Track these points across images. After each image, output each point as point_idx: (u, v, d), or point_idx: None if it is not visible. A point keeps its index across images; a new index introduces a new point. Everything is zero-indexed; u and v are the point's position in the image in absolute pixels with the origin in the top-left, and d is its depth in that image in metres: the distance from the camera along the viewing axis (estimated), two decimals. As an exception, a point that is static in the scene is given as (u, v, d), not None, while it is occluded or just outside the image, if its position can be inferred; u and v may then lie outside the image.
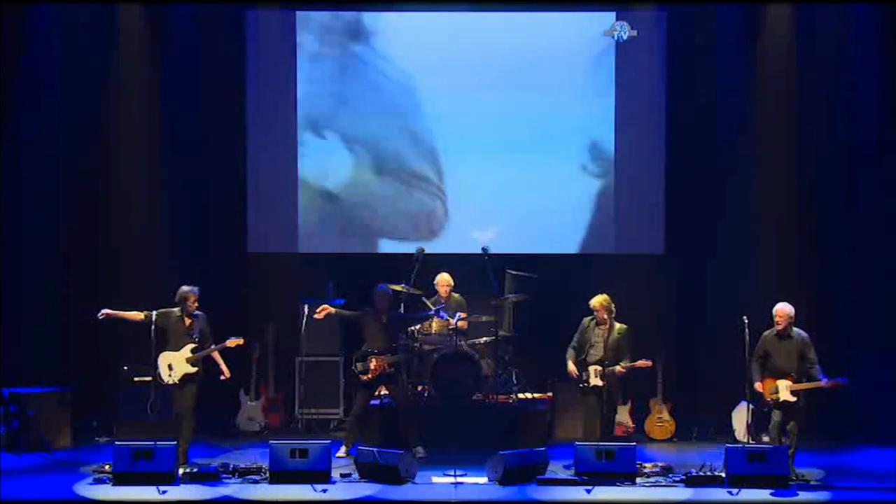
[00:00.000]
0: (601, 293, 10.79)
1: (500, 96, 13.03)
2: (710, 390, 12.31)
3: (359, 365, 11.01)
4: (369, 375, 10.98)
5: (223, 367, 10.71)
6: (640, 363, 10.71)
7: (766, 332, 10.29)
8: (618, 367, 10.60)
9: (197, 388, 10.63)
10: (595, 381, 10.61)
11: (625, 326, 10.70)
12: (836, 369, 10.33)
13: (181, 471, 9.88)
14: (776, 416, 10.18)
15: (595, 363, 10.66)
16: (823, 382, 10.07)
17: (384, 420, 11.35)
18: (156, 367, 10.52)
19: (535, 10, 12.97)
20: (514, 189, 13.03)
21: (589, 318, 10.87)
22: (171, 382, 10.55)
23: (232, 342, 10.67)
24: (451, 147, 13.16)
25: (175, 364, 10.54)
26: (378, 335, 11.08)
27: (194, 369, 10.57)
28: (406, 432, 10.95)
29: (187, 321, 10.64)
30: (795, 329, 10.22)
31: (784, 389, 10.09)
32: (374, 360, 10.97)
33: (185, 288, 10.66)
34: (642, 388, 11.98)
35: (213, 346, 10.65)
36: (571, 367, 10.71)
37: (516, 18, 13.01)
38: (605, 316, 10.70)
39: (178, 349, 10.56)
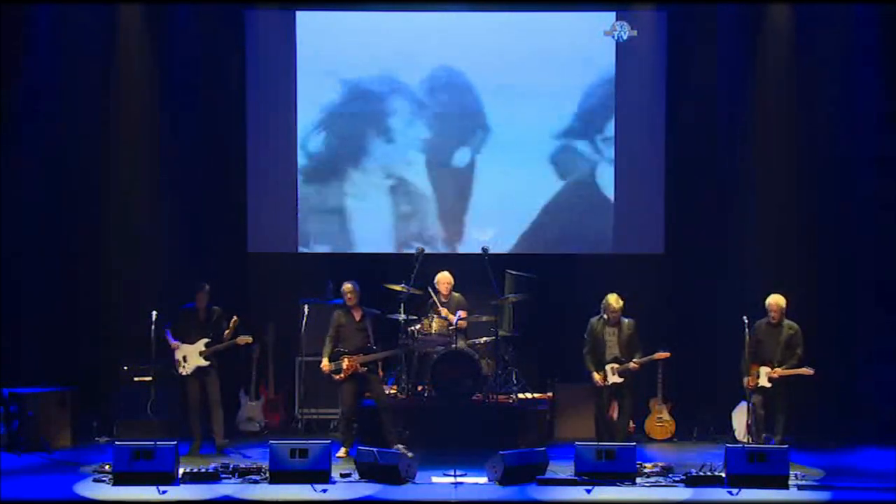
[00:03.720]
0: (611, 293, 11.10)
1: (499, 96, 13.03)
2: (710, 390, 12.31)
3: (331, 364, 11.00)
4: (341, 375, 10.95)
5: (241, 339, 11.09)
6: (659, 355, 11.12)
7: (758, 322, 10.85)
8: (632, 363, 10.98)
9: (213, 381, 11.04)
10: (614, 378, 10.99)
11: (632, 321, 11.10)
12: (826, 365, 10.69)
13: (187, 468, 9.88)
14: (757, 406, 10.71)
15: (611, 362, 11.02)
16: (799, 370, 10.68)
17: (367, 421, 11.28)
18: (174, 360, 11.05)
19: (534, 10, 12.96)
20: (514, 189, 13.02)
21: (596, 318, 11.09)
22: (184, 374, 11.02)
23: (242, 340, 11.09)
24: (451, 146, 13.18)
25: (189, 357, 10.99)
26: (351, 334, 11.04)
27: (207, 363, 11.00)
28: (385, 431, 10.92)
29: (201, 316, 11.04)
30: (786, 320, 10.84)
31: (763, 375, 10.71)
32: (345, 359, 10.94)
33: (200, 284, 11.13)
34: (642, 388, 11.96)
35: (223, 343, 11.03)
36: (598, 377, 11.02)
37: (516, 18, 12.99)
38: (619, 317, 10.97)
39: (192, 343, 11.01)
